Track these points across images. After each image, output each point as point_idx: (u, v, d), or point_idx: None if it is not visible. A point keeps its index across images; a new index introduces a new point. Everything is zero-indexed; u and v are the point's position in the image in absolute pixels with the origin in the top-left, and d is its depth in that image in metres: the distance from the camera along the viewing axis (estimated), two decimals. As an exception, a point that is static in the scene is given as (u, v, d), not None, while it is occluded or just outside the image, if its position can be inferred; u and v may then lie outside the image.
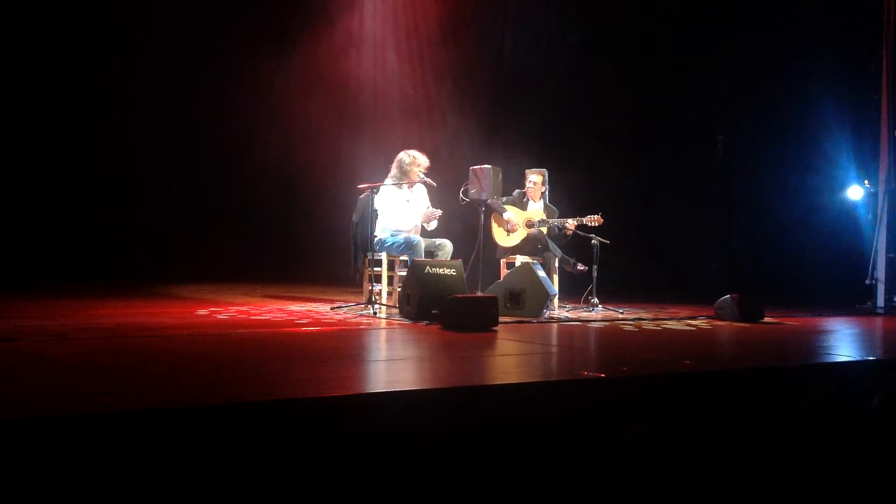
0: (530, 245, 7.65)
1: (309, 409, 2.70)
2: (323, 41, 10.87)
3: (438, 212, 7.11)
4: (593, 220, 7.50)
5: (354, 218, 7.19)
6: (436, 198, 7.41)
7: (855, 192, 10.12)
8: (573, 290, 7.95)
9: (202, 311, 6.29)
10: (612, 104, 11.08)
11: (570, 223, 7.57)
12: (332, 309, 6.82)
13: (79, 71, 9.80)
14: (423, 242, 6.92)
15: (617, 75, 11.10)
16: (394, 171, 7.18)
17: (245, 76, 10.57)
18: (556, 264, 7.63)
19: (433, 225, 7.20)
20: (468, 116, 11.07)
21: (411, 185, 7.15)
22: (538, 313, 6.61)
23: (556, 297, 7.34)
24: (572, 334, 5.62)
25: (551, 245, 7.60)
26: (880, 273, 9.57)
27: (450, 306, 5.42)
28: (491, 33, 11.74)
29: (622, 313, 7.16)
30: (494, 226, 7.85)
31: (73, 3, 9.80)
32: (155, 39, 10.14)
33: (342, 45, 11.00)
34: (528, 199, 7.86)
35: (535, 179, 7.89)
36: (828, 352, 5.28)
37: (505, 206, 7.77)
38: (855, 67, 10.07)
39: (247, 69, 10.50)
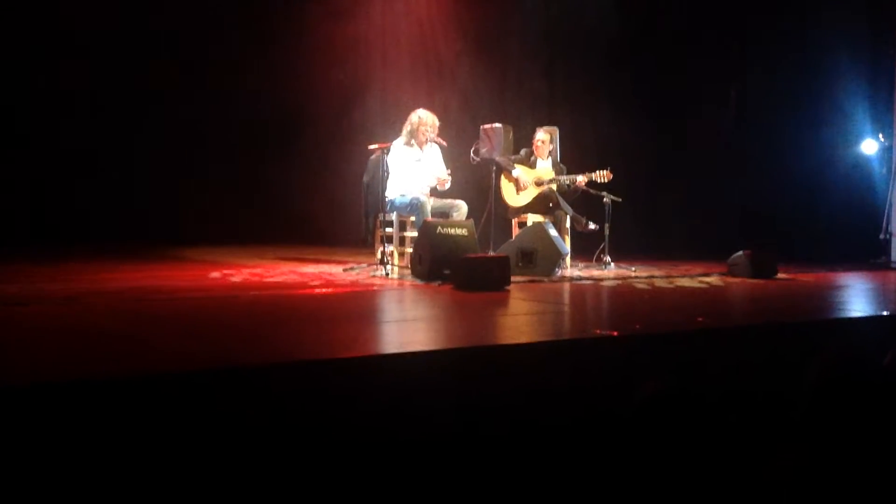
0: (541, 204, 7.59)
1: (323, 371, 2.72)
2: (332, 3, 10.75)
3: (447, 178, 7.07)
4: (602, 175, 7.43)
5: (365, 178, 7.17)
6: (447, 158, 7.37)
7: (869, 146, 10.00)
8: (585, 248, 7.92)
9: (215, 274, 6.32)
10: (623, 60, 10.95)
11: (581, 179, 7.50)
12: (344, 270, 6.83)
13: (92, 33, 9.72)
14: (429, 203, 6.90)
15: (628, 31, 10.95)
16: (404, 131, 7.14)
17: (255, 37, 10.49)
18: (568, 223, 7.59)
19: (446, 186, 7.15)
20: (479, 74, 10.96)
21: (422, 144, 7.11)
22: (550, 272, 6.60)
23: (569, 255, 7.33)
24: (584, 293, 5.62)
25: (563, 203, 7.54)
26: (894, 227, 9.49)
27: (462, 266, 5.42)
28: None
29: (634, 271, 7.14)
30: (504, 183, 7.75)
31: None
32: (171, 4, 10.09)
33: (350, 6, 10.87)
34: (535, 158, 7.77)
35: (543, 137, 7.77)
36: (841, 307, 5.27)
37: (514, 164, 7.68)
38: (870, 19, 9.89)
39: (258, 30, 10.43)
